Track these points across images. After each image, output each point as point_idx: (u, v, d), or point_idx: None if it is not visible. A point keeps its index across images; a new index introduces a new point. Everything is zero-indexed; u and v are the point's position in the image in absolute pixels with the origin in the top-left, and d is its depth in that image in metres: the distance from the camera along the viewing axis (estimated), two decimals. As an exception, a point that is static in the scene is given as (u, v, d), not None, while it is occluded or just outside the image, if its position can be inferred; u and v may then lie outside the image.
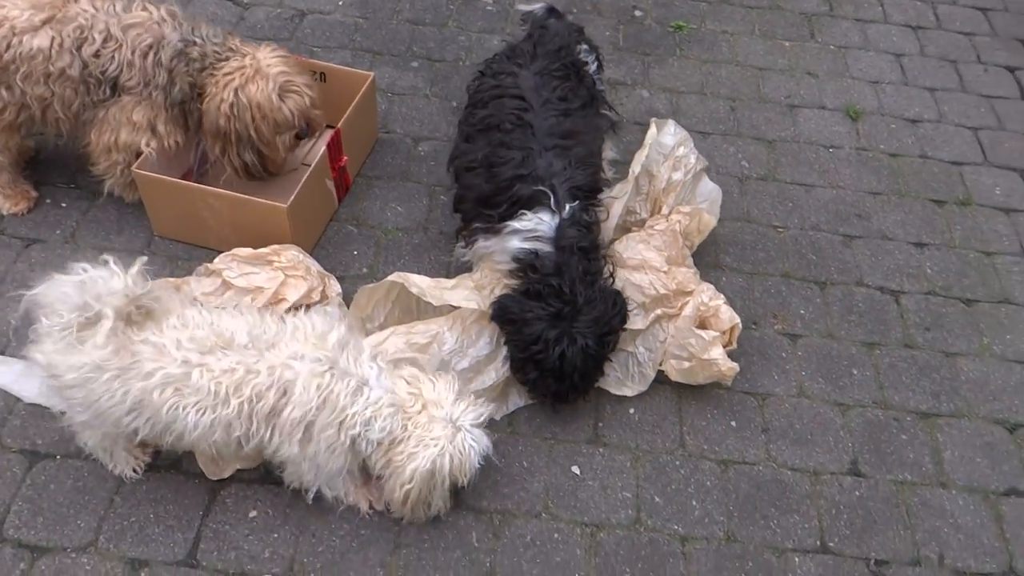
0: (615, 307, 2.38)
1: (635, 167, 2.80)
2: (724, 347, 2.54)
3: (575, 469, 2.41)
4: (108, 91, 2.55)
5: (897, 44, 4.05)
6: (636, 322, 2.53)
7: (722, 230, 3.00)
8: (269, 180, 2.83)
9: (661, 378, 2.59)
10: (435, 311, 2.55)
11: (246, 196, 2.66)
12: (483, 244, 2.55)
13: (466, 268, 2.76)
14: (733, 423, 2.56)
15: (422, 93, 3.53)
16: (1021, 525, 2.40)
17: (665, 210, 2.85)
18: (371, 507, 2.25)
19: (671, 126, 2.91)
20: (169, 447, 2.08)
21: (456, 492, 2.19)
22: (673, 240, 2.73)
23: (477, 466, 2.08)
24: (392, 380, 2.06)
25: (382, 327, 2.53)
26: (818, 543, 2.32)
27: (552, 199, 2.39)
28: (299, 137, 2.75)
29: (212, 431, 1.92)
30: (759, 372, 2.69)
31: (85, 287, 1.85)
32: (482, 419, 2.09)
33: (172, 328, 1.94)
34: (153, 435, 1.98)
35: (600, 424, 2.52)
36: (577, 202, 2.44)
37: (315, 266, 2.66)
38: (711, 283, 2.71)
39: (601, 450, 2.46)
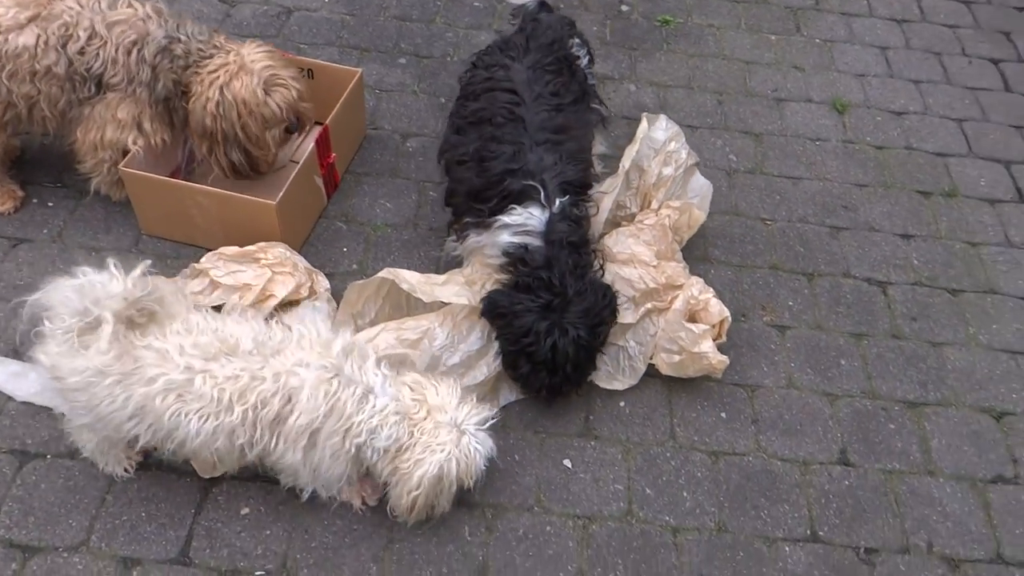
0: (605, 299, 2.39)
1: (625, 162, 2.81)
2: (714, 340, 2.55)
3: (567, 462, 2.42)
4: (93, 88, 2.54)
5: (882, 37, 4.08)
6: (626, 316, 2.54)
7: (711, 223, 3.01)
8: (257, 178, 2.81)
9: (651, 371, 2.60)
10: (425, 307, 2.55)
11: (234, 193, 2.66)
12: (474, 239, 2.55)
13: (456, 263, 2.76)
14: (723, 415, 2.57)
15: (410, 89, 3.53)
16: (1008, 512, 2.42)
17: (655, 205, 2.86)
18: (364, 503, 2.25)
19: (662, 121, 2.92)
20: (170, 454, 2.08)
21: (460, 493, 2.18)
22: (662, 234, 2.74)
23: (482, 468, 2.09)
24: (397, 387, 2.05)
25: (372, 323, 2.53)
26: (808, 532, 2.33)
27: (542, 194, 2.40)
28: (289, 131, 2.73)
29: (215, 438, 1.91)
30: (748, 364, 2.70)
31: (84, 291, 1.84)
32: (486, 421, 2.10)
33: (175, 333, 1.93)
34: (154, 442, 1.97)
35: (591, 417, 2.53)
36: (567, 197, 2.44)
37: (302, 263, 2.66)
38: (700, 276, 2.73)
39: (592, 443, 2.47)
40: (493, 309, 2.35)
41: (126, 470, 2.24)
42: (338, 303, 2.63)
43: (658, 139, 2.89)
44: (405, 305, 2.58)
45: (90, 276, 1.87)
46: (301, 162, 2.75)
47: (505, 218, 2.41)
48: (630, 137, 2.92)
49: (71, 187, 2.94)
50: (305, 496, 2.12)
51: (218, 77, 2.53)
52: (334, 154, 2.96)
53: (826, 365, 2.73)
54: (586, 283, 2.37)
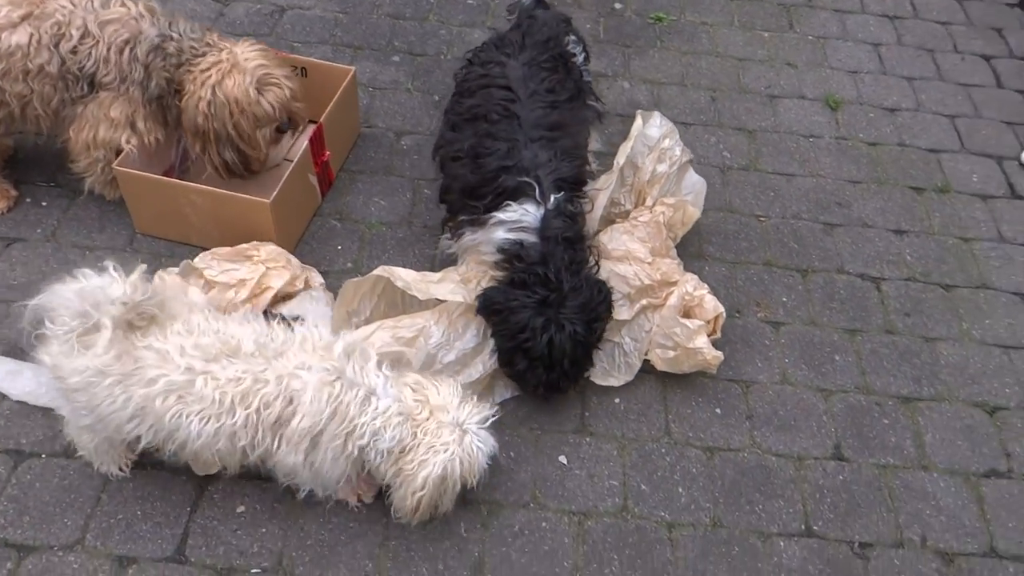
0: (600, 294, 2.39)
1: (620, 159, 2.81)
2: (708, 336, 2.56)
3: (562, 459, 2.43)
4: (86, 87, 2.54)
5: (875, 34, 4.09)
6: (622, 313, 2.55)
7: (705, 220, 3.02)
8: (250, 178, 2.81)
9: (646, 367, 2.60)
10: (420, 305, 2.55)
11: (229, 192, 2.65)
12: (469, 237, 2.55)
13: (451, 261, 2.77)
14: (718, 410, 2.58)
15: (404, 87, 3.53)
16: (1001, 505, 2.43)
17: (649, 201, 2.87)
18: (359, 500, 2.26)
19: (657, 118, 2.92)
20: (171, 455, 2.07)
21: (463, 493, 2.18)
22: (657, 231, 2.75)
23: (485, 466, 2.09)
24: (399, 388, 2.05)
25: (368, 321, 2.53)
26: (803, 527, 2.34)
27: (537, 190, 2.40)
28: (280, 130, 2.73)
29: (216, 440, 1.90)
30: (743, 360, 2.71)
31: (84, 294, 1.84)
32: (487, 420, 2.09)
33: (176, 334, 1.93)
34: (155, 443, 1.96)
35: (586, 414, 2.53)
36: (562, 193, 2.44)
37: (295, 260, 2.66)
38: (694, 273, 2.74)
39: (588, 439, 2.48)
40: (489, 306, 2.36)
41: (121, 469, 2.23)
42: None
43: (652, 136, 2.90)
44: (400, 303, 2.58)
45: (90, 279, 1.87)
46: (295, 160, 2.74)
47: (500, 215, 2.41)
48: (624, 134, 2.92)
49: (65, 186, 2.94)
50: (302, 495, 2.12)
51: (210, 76, 2.52)
52: (328, 152, 2.96)
53: (820, 361, 2.74)
54: (581, 279, 2.37)
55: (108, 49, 2.49)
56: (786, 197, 3.26)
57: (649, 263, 2.64)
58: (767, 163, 3.39)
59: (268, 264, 2.58)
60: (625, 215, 2.86)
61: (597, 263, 2.53)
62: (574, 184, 2.51)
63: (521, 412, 2.51)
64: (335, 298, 2.61)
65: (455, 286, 2.49)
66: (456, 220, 2.61)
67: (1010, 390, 2.72)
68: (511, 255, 2.38)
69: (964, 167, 3.47)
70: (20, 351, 2.46)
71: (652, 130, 2.90)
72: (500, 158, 2.45)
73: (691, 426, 2.53)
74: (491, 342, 2.44)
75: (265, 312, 2.49)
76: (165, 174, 2.85)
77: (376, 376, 2.01)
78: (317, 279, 2.67)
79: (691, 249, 2.99)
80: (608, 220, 2.85)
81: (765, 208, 3.21)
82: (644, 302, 2.59)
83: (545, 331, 2.27)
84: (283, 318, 2.42)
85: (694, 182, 2.97)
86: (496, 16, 3.88)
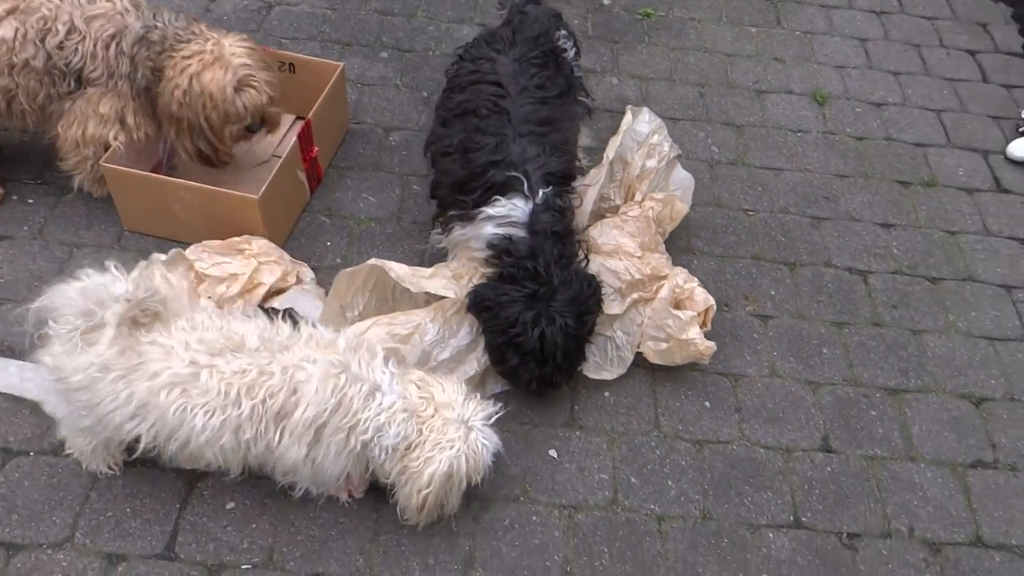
0: (590, 287, 2.39)
1: (609, 153, 2.82)
2: (699, 328, 2.57)
3: (552, 453, 2.43)
4: (73, 84, 2.52)
5: (862, 29, 4.11)
6: (613, 307, 2.55)
7: (693, 214, 3.03)
8: (221, 167, 2.78)
9: (636, 361, 2.61)
10: (410, 301, 2.55)
11: (217, 188, 2.65)
12: (459, 232, 2.55)
13: (441, 256, 2.77)
14: (707, 403, 2.59)
15: (392, 83, 3.53)
16: (987, 496, 2.46)
17: (638, 197, 2.87)
18: (350, 496, 2.26)
19: (646, 114, 2.93)
20: (171, 458, 2.05)
21: (495, 490, 2.19)
22: (646, 226, 2.76)
23: (489, 463, 2.09)
24: (404, 385, 2.04)
25: (361, 316, 2.53)
26: (791, 518, 2.36)
27: (525, 184, 2.40)
28: (250, 130, 2.69)
29: (220, 434, 1.89)
30: (732, 353, 2.72)
31: (88, 292, 1.85)
32: (491, 417, 2.10)
33: (181, 330, 1.93)
34: (157, 442, 1.95)
35: (576, 408, 2.54)
36: (551, 188, 2.45)
37: (285, 255, 2.66)
38: (683, 267, 2.75)
39: (577, 433, 2.48)
40: (479, 302, 2.36)
41: (111, 467, 2.23)
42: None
43: (641, 132, 2.91)
44: (391, 298, 2.58)
45: (94, 278, 1.87)
46: (284, 156, 2.74)
47: (489, 210, 2.42)
48: (613, 130, 2.93)
49: (52, 184, 2.92)
50: (297, 494, 2.12)
51: (191, 65, 2.49)
52: (317, 148, 2.95)
53: (808, 353, 2.76)
54: (571, 272, 2.37)
55: (95, 45, 2.47)
56: (774, 191, 3.28)
57: (639, 257, 2.65)
58: (755, 158, 3.41)
59: (260, 258, 2.58)
60: (614, 210, 2.87)
61: (586, 257, 2.53)
62: (563, 179, 2.52)
63: (511, 407, 2.50)
64: (326, 293, 2.60)
65: (447, 281, 2.49)
66: (446, 215, 2.61)
67: (996, 381, 2.74)
68: (500, 250, 2.39)
69: (950, 161, 3.49)
70: (8, 349, 2.46)
71: (641, 126, 2.91)
72: (489, 153, 2.45)
73: (680, 419, 2.54)
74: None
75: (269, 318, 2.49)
76: (153, 171, 2.84)
77: (382, 372, 2.01)
78: (308, 274, 2.67)
79: (680, 243, 3.01)
80: (597, 215, 2.86)
81: (753, 202, 3.23)
82: (635, 296, 2.60)
83: (536, 325, 2.27)
84: (274, 311, 2.41)
85: (682, 178, 2.98)
86: (484, 12, 3.88)
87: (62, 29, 2.46)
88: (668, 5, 4.10)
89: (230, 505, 2.23)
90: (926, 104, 3.74)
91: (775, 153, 3.44)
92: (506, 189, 2.41)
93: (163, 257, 2.52)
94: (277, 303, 2.55)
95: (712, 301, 2.62)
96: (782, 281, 2.96)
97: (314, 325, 2.09)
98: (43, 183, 2.93)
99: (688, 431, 2.52)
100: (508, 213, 2.39)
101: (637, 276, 2.61)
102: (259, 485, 2.24)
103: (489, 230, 2.43)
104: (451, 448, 1.99)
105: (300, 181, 2.91)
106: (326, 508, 2.24)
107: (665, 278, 2.64)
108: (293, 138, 2.81)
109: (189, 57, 2.50)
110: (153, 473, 2.26)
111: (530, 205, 2.40)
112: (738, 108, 3.61)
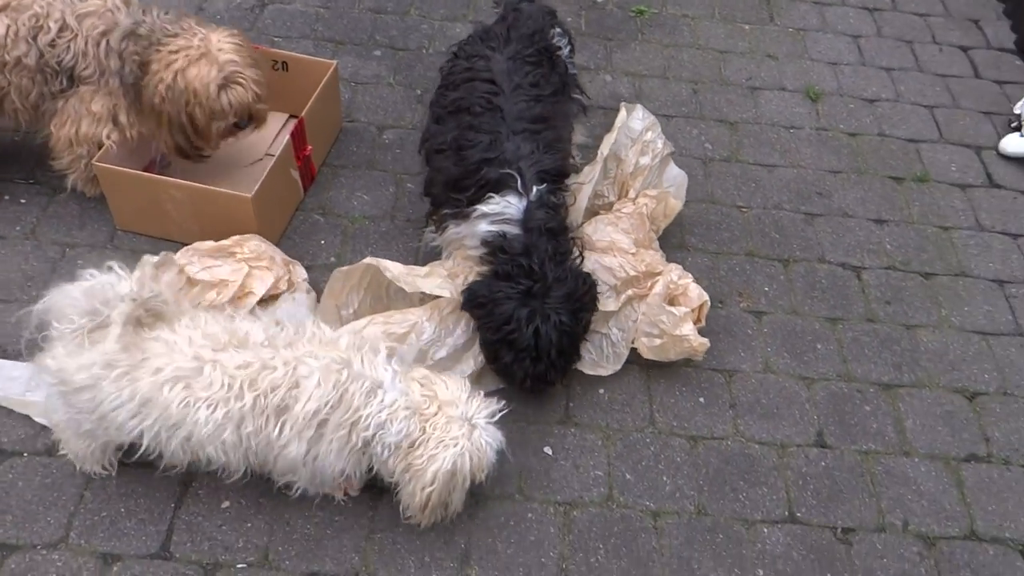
0: (585, 285, 2.39)
1: (603, 149, 2.82)
2: (694, 324, 2.57)
3: (547, 450, 2.43)
4: (65, 82, 2.52)
5: (854, 26, 4.12)
6: (608, 304, 2.56)
7: (687, 211, 3.04)
8: (198, 161, 2.76)
9: (630, 358, 2.61)
10: (405, 300, 2.55)
11: (210, 187, 2.64)
12: (453, 230, 2.55)
13: (435, 254, 2.77)
14: (701, 400, 2.60)
15: (385, 82, 3.52)
16: (981, 489, 2.47)
17: (632, 194, 2.88)
18: (345, 494, 2.25)
19: (639, 111, 2.94)
20: (171, 456, 2.03)
21: (491, 488, 2.18)
22: (640, 223, 2.76)
23: (493, 460, 2.08)
24: (407, 382, 2.04)
25: (356, 314, 2.53)
26: (786, 513, 2.36)
27: (519, 182, 2.40)
28: (238, 127, 2.67)
29: (223, 429, 1.89)
30: (726, 349, 2.73)
31: (93, 292, 1.85)
32: (495, 415, 2.09)
33: (185, 327, 1.94)
34: (159, 440, 1.94)
35: (571, 405, 2.54)
36: (545, 185, 2.45)
37: (279, 255, 2.64)
38: (678, 263, 2.75)
39: (572, 430, 2.48)
40: (473, 299, 2.35)
41: (104, 468, 2.22)
42: (317, 295, 2.63)
43: (635, 129, 2.91)
44: (385, 297, 2.58)
45: (98, 278, 1.88)
46: (277, 155, 2.73)
47: (483, 207, 2.41)
48: (607, 127, 2.94)
49: (44, 184, 2.91)
50: (295, 494, 2.12)
51: (177, 60, 2.46)
52: (310, 147, 2.95)
53: (802, 349, 2.76)
54: (566, 269, 2.37)
55: (86, 43, 2.46)
56: (767, 188, 3.28)
57: (633, 254, 2.66)
58: (748, 154, 3.41)
59: (252, 263, 2.55)
60: (608, 207, 2.88)
61: (581, 255, 2.53)
62: (556, 176, 2.52)
63: (506, 404, 2.51)
64: (318, 299, 2.60)
65: (442, 281, 2.49)
66: (439, 213, 2.61)
67: (989, 376, 2.75)
68: (494, 247, 2.39)
69: (943, 157, 3.50)
70: (0, 349, 2.45)
71: (635, 123, 2.92)
72: (483, 150, 2.45)
73: (675, 415, 2.55)
74: (481, 337, 2.44)
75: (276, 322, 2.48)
76: (146, 170, 2.83)
77: (384, 370, 2.01)
78: (301, 274, 2.65)
79: (674, 240, 3.01)
80: (592, 212, 2.86)
81: (747, 199, 3.23)
82: (630, 292, 2.61)
83: (530, 322, 2.27)
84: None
85: (675, 175, 2.98)
86: (478, 10, 3.88)
87: (54, 27, 2.45)
88: (661, 2, 4.10)
89: (225, 504, 2.23)
90: (919, 100, 3.75)
91: (768, 150, 3.44)
92: (500, 186, 2.41)
93: (154, 259, 2.51)
94: (266, 314, 2.53)
95: (706, 297, 2.62)
96: (776, 277, 2.97)
97: (318, 324, 2.09)
98: (35, 183, 2.92)
99: (683, 427, 2.52)
100: (502, 210, 2.39)
101: (632, 273, 2.61)
102: (254, 484, 2.23)
103: (483, 227, 2.43)
104: (455, 445, 1.98)
105: (294, 180, 2.91)
106: (321, 507, 2.24)
107: (659, 274, 2.64)
108: (286, 137, 2.81)
109: (175, 52, 2.47)
110: (147, 473, 2.25)
111: (524, 202, 2.40)
112: (731, 105, 3.62)
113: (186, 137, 2.60)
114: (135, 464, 2.24)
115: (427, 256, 2.81)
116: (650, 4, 4.07)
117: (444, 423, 2.00)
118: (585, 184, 2.81)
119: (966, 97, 3.79)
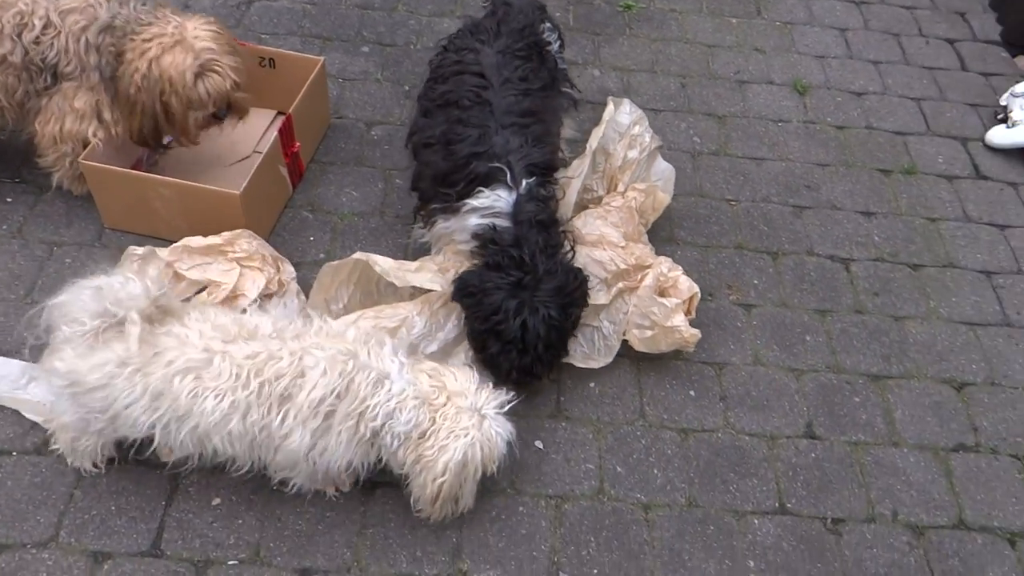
0: (576, 280, 2.39)
1: (592, 143, 2.83)
2: (684, 316, 2.58)
3: (538, 443, 2.44)
4: (50, 79, 2.50)
5: (841, 19, 4.13)
6: (599, 297, 2.56)
7: (676, 205, 3.04)
8: (158, 151, 2.75)
9: (621, 351, 2.61)
10: (395, 295, 2.55)
11: (198, 184, 2.63)
12: (443, 225, 2.55)
13: (424, 250, 2.76)
14: (692, 392, 2.60)
15: (373, 78, 3.52)
16: (969, 479, 2.48)
17: (621, 187, 2.88)
18: (337, 490, 2.25)
19: (627, 105, 2.94)
20: (180, 448, 2.02)
21: (482, 482, 2.16)
22: (629, 216, 2.76)
23: (504, 452, 2.08)
24: (414, 374, 2.04)
25: (346, 309, 2.52)
26: (776, 504, 2.37)
27: (508, 175, 2.40)
28: (217, 117, 2.62)
29: (229, 418, 1.89)
30: (716, 342, 2.74)
31: (103, 293, 1.86)
32: (504, 406, 2.09)
33: (195, 320, 1.95)
34: (168, 433, 1.94)
35: (562, 398, 2.54)
36: (534, 178, 2.45)
37: (268, 250, 2.63)
38: (667, 257, 2.75)
39: (563, 424, 2.49)
40: (463, 288, 2.35)
41: (95, 465, 2.21)
42: (306, 292, 2.62)
43: (623, 123, 2.91)
44: (375, 292, 2.58)
45: (107, 279, 1.89)
46: (265, 152, 2.73)
47: (473, 201, 2.41)
48: (595, 121, 2.94)
49: (31, 182, 2.89)
50: (292, 490, 2.12)
51: (150, 48, 2.42)
52: (298, 143, 2.94)
53: (791, 341, 2.77)
54: (556, 263, 2.37)
55: (67, 39, 2.44)
56: (756, 181, 3.29)
57: (623, 247, 2.66)
58: (737, 148, 3.42)
59: (243, 263, 2.54)
60: (597, 201, 2.88)
61: (573, 249, 2.53)
62: (545, 169, 2.52)
63: (497, 398, 2.52)
64: (308, 295, 2.59)
65: (433, 275, 2.49)
66: (428, 208, 2.61)
67: (976, 366, 2.77)
68: (485, 239, 2.38)
69: (930, 149, 3.52)
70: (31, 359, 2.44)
71: (623, 117, 2.92)
72: (471, 144, 2.45)
73: (665, 408, 2.56)
74: (472, 332, 2.44)
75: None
76: (133, 167, 2.82)
77: (391, 361, 2.01)
78: (289, 271, 2.64)
79: (663, 234, 3.02)
80: (581, 206, 2.86)
81: (735, 192, 3.24)
82: (620, 285, 2.61)
83: (518, 314, 2.27)
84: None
85: (663, 169, 2.99)
86: (465, 5, 3.88)
87: (38, 24, 2.43)
88: (649, -3, 4.11)
89: (216, 501, 2.22)
90: (906, 93, 3.77)
91: (757, 143, 3.45)
92: (489, 180, 2.41)
93: (139, 251, 2.50)
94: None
95: (696, 289, 2.62)
96: (765, 270, 2.98)
97: (324, 318, 2.10)
98: (21, 181, 2.91)
99: (673, 420, 2.53)
100: (492, 204, 2.39)
101: (622, 266, 2.61)
102: (245, 481, 2.23)
103: (473, 221, 2.43)
104: (465, 436, 1.98)
105: (282, 176, 2.90)
106: (313, 503, 2.24)
107: (649, 267, 2.64)
108: (274, 133, 2.80)
109: (149, 40, 2.43)
110: (138, 470, 2.25)
111: (514, 195, 2.40)
112: (719, 99, 3.62)
113: (152, 126, 2.55)
114: (126, 461, 2.25)
115: (416, 252, 2.81)
116: (638, -1, 4.08)
117: (454, 413, 2.00)
118: (574, 178, 2.81)
119: (953, 89, 3.80)
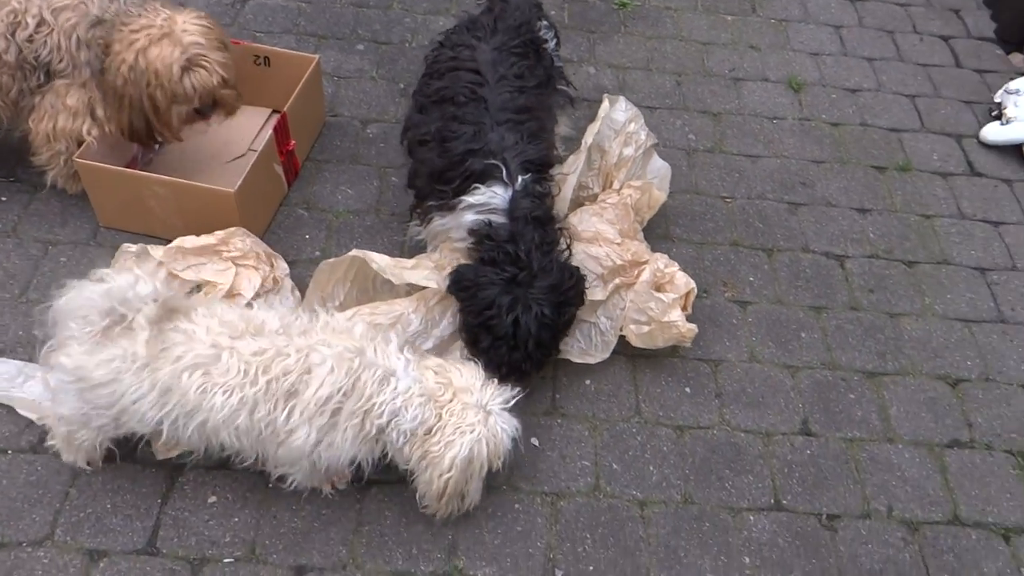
0: (571, 279, 2.38)
1: (587, 139, 2.83)
2: (681, 311, 2.58)
3: (534, 440, 2.44)
4: (43, 77, 2.49)
5: (836, 16, 4.14)
6: (596, 293, 2.56)
7: (672, 202, 3.04)
8: (151, 148, 2.74)
9: (617, 348, 2.61)
10: (391, 292, 2.55)
11: (193, 183, 2.63)
12: (439, 222, 2.55)
13: (420, 247, 2.76)
14: (687, 389, 2.61)
15: (368, 76, 3.51)
16: (964, 475, 2.49)
17: (616, 185, 2.88)
18: (333, 487, 2.25)
19: (622, 102, 2.94)
20: (188, 442, 2.02)
21: (489, 479, 2.17)
22: (625, 213, 2.77)
23: (509, 448, 2.09)
24: (420, 371, 2.05)
25: (343, 306, 2.52)
26: (772, 501, 2.38)
27: (504, 172, 2.40)
28: (200, 113, 2.60)
29: (237, 414, 1.89)
30: (711, 339, 2.74)
31: (111, 293, 1.87)
32: (509, 402, 2.10)
33: (202, 316, 1.95)
34: (176, 428, 1.94)
35: (557, 396, 2.55)
36: (529, 175, 2.44)
37: (261, 248, 2.62)
38: (663, 253, 2.76)
39: (559, 421, 2.49)
40: (458, 282, 2.35)
41: (89, 463, 2.21)
42: (302, 290, 2.62)
43: (618, 120, 2.91)
44: (371, 289, 2.58)
45: (117, 278, 1.90)
46: (260, 150, 2.72)
47: (469, 198, 2.41)
48: (590, 118, 2.94)
49: (25, 181, 2.89)
50: (290, 487, 2.11)
51: (138, 39, 2.40)
52: (293, 141, 2.94)
53: (787, 338, 2.78)
54: (552, 260, 2.37)
55: (60, 36, 2.44)
56: (751, 178, 3.30)
57: (619, 244, 2.66)
58: (732, 145, 3.42)
59: (238, 262, 2.53)
60: (593, 198, 2.88)
61: (569, 247, 2.52)
62: (541, 166, 2.51)
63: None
64: (304, 293, 2.59)
65: (429, 272, 2.49)
66: (424, 205, 2.61)
67: (971, 362, 2.77)
68: (481, 235, 2.38)
69: (924, 146, 3.53)
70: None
71: (618, 114, 2.92)
72: (467, 141, 2.44)
73: (661, 405, 2.56)
74: (467, 329, 2.44)
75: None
76: (128, 166, 2.82)
77: (397, 358, 2.01)
78: (282, 268, 2.63)
79: (658, 231, 3.02)
80: (576, 203, 2.87)
81: (731, 189, 3.24)
82: (617, 281, 2.61)
83: (511, 310, 2.26)
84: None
85: (658, 167, 2.99)
86: (460, 3, 3.87)
87: (32, 22, 2.42)
88: (644, -6, 4.11)
89: (212, 499, 2.22)
90: (900, 90, 3.77)
91: (752, 140, 3.46)
92: (485, 177, 2.40)
93: (132, 248, 2.50)
94: None
95: (693, 284, 2.63)
96: (760, 267, 2.98)
97: (331, 312, 2.11)
98: (16, 180, 2.90)
99: (669, 417, 2.54)
100: (488, 200, 2.38)
101: (618, 262, 2.61)
102: (240, 478, 2.24)
103: (469, 218, 2.42)
104: (471, 432, 1.99)
105: (277, 174, 2.90)
106: (308, 500, 2.24)
107: (646, 263, 2.65)
108: (269, 131, 2.79)
109: (137, 31, 2.41)
110: (134, 468, 2.25)
111: (509, 192, 2.40)
112: (714, 96, 3.63)
113: (142, 120, 2.53)
114: (121, 459, 2.24)
115: (412, 250, 2.81)
116: (633, -4, 4.08)
117: (460, 410, 2.01)
118: (570, 175, 2.81)
119: (947, 86, 3.81)
